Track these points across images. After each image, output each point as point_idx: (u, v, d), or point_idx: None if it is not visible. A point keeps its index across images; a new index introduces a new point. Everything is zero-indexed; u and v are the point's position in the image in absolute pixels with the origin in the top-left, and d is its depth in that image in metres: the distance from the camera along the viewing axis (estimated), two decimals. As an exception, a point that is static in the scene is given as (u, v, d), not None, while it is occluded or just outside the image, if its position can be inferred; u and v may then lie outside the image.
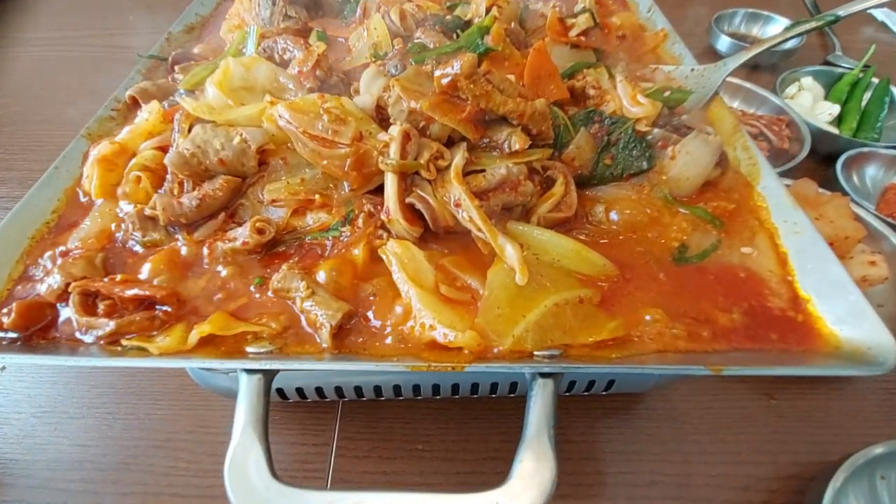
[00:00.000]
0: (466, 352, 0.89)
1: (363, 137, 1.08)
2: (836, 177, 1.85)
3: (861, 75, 2.32)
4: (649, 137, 1.20)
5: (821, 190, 1.56)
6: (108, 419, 1.39)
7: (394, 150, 1.04)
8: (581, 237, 1.11)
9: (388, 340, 0.94)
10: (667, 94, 1.33)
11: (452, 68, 1.05)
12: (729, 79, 1.42)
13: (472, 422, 1.36)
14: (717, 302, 1.00)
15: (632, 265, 1.06)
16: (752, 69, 2.50)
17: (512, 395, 1.30)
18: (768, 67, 2.56)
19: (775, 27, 2.78)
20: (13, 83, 2.62)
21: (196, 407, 1.41)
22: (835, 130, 2.20)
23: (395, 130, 1.05)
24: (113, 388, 1.45)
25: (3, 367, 1.50)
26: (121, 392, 1.44)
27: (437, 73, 1.07)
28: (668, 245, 1.10)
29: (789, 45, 2.56)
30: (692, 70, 1.47)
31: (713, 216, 1.13)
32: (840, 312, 0.93)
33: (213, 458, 1.32)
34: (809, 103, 2.31)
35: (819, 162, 2.01)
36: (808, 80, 2.38)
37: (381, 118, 1.16)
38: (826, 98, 2.36)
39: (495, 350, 0.90)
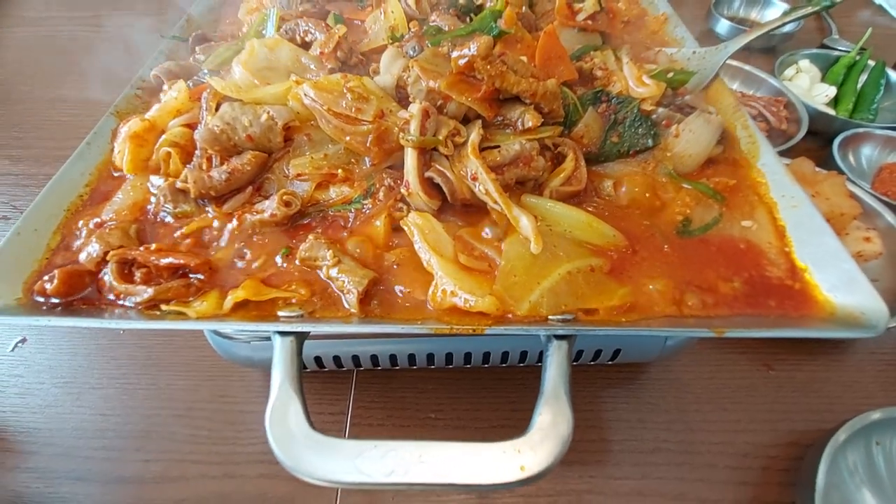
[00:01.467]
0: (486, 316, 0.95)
1: (384, 115, 1.13)
2: (832, 156, 1.91)
3: (857, 58, 2.37)
4: (654, 116, 1.25)
5: (818, 169, 1.61)
6: (129, 389, 1.45)
7: (414, 126, 1.09)
8: (590, 209, 1.16)
9: (411, 306, 1.00)
10: (670, 75, 1.38)
11: (469, 50, 1.09)
12: (729, 61, 1.47)
13: (482, 391, 1.42)
14: (720, 272, 1.05)
15: (639, 237, 1.11)
16: (751, 52, 2.54)
17: (522, 365, 1.36)
18: (767, 50, 2.61)
19: (773, 11, 2.83)
20: (22, 62, 2.66)
21: (216, 377, 1.47)
22: (831, 111, 2.25)
23: (415, 108, 1.10)
24: (133, 360, 1.51)
25: (24, 339, 1.55)
26: (141, 363, 1.50)
27: (455, 54, 1.12)
28: (673, 218, 1.16)
29: (787, 28, 2.61)
30: (693, 52, 1.52)
31: (715, 191, 1.18)
32: (834, 280, 0.99)
33: (232, 426, 1.38)
34: (807, 85, 2.36)
35: (816, 142, 2.07)
36: (805, 63, 2.43)
37: (401, 97, 1.20)
38: (823, 80, 2.41)
39: (513, 315, 0.96)
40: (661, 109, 1.26)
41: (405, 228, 1.07)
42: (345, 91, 1.13)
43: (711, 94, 1.43)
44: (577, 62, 1.36)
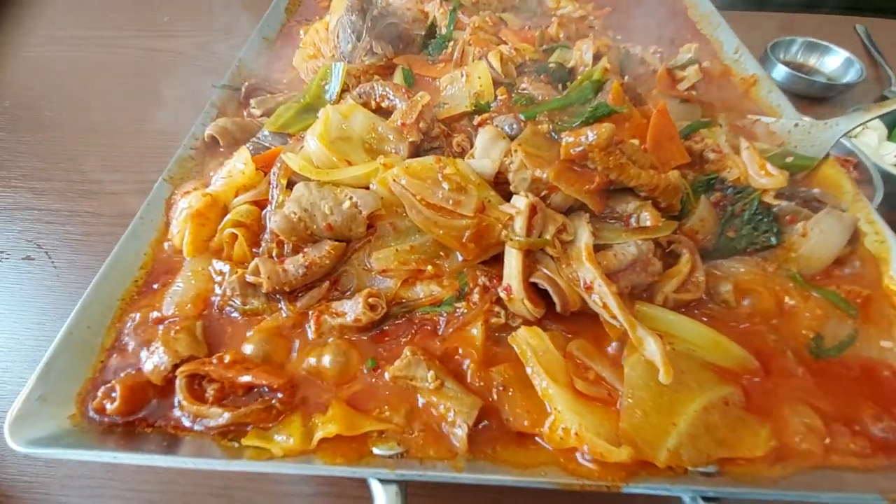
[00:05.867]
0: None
1: (485, 208, 1.00)
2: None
3: (927, 115, 2.25)
4: (775, 210, 1.12)
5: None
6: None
7: (520, 224, 0.97)
8: (704, 319, 1.02)
9: (523, 441, 0.87)
10: (789, 159, 1.26)
11: (586, 138, 0.97)
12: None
13: None
14: (867, 406, 0.92)
15: (767, 355, 0.98)
16: (810, 101, 2.42)
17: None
18: (822, 99, 2.49)
19: (834, 58, 2.69)
20: (50, 86, 2.47)
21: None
22: (902, 173, 2.13)
23: (522, 203, 0.97)
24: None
25: None
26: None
27: (567, 139, 0.99)
28: (800, 333, 1.03)
29: (848, 78, 2.50)
30: (795, 125, 1.40)
31: (847, 302, 1.05)
32: None
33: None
34: (875, 143, 2.23)
35: (885, 205, 1.94)
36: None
37: (497, 182, 1.07)
38: (889, 138, 2.29)
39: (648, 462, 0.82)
40: (783, 202, 1.13)
41: (516, 348, 0.94)
42: (440, 178, 1.00)
43: (820, 176, 1.30)
44: (686, 141, 1.23)
